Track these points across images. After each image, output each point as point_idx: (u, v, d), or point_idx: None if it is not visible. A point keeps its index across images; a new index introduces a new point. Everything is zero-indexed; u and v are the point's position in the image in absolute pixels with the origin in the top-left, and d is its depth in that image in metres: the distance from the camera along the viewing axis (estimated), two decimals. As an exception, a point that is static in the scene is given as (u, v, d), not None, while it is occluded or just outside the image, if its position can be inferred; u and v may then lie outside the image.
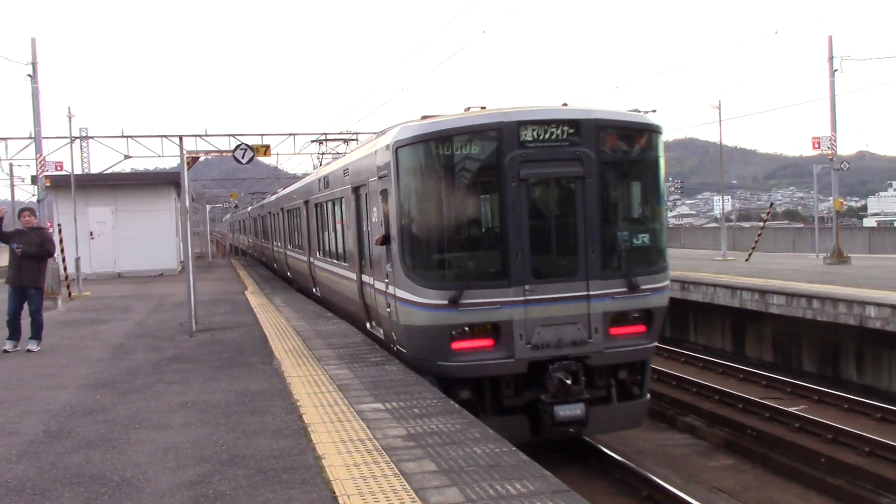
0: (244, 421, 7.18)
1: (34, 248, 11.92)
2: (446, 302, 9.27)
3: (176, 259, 30.48)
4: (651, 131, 10.52)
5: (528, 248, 9.46)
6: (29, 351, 11.79)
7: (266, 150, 15.00)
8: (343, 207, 13.79)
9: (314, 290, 18.40)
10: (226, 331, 13.51)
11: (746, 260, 24.17)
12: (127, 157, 42.23)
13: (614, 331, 9.78)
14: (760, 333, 17.02)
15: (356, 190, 12.40)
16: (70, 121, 27.94)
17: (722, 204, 32.33)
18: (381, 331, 11.31)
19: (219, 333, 13.20)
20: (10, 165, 58.51)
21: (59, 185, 24.98)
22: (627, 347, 9.87)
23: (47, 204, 21.28)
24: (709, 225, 64.93)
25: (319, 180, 16.57)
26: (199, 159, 14.84)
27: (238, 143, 14.49)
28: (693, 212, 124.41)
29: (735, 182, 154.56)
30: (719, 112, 30.04)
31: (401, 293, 9.79)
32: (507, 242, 9.44)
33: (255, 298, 19.45)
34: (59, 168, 23.98)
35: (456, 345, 9.43)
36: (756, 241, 26.21)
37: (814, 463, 10.15)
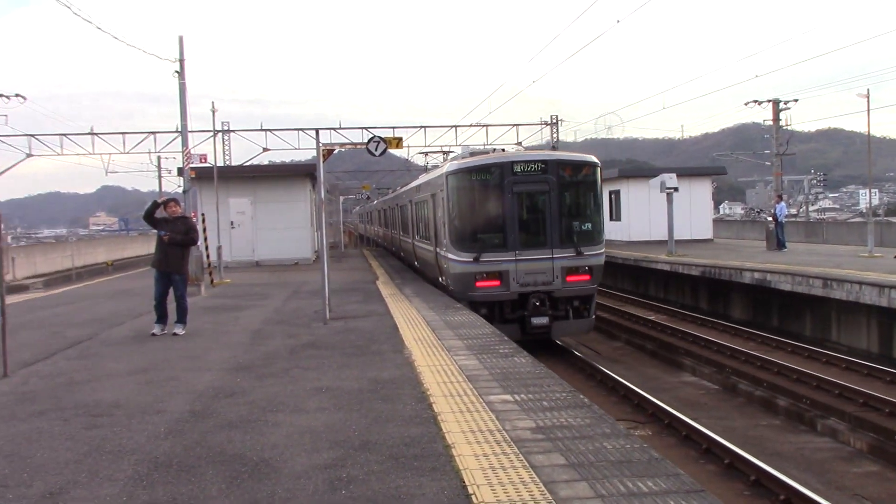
0: (376, 408, 7.32)
1: (180, 236, 12.51)
2: (472, 260, 16.54)
3: (310, 248, 31.34)
4: (590, 164, 17.43)
5: (517, 230, 16.57)
6: (175, 334, 12.32)
7: (398, 142, 15.27)
8: (426, 206, 21.08)
9: (415, 262, 25.24)
10: (358, 319, 13.80)
11: (895, 257, 22.87)
12: (265, 149, 43.80)
13: (569, 278, 16.63)
14: (910, 334, 16.08)
15: (433, 196, 19.64)
16: (213, 115, 29.15)
17: (869, 197, 30.74)
18: (442, 279, 18.72)
19: (351, 322, 13.50)
20: (158, 158, 61.56)
21: (203, 176, 26.10)
22: (577, 288, 16.84)
23: (192, 194, 22.29)
24: (854, 220, 61.78)
25: (418, 186, 24.18)
26: (334, 152, 15.19)
27: (371, 135, 14.76)
28: (836, 206, 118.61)
29: (892, 174, 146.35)
30: (867, 101, 28.50)
31: (447, 258, 17.44)
32: (506, 228, 16.59)
33: (385, 288, 19.79)
34: (203, 160, 25.04)
35: (478, 283, 16.53)
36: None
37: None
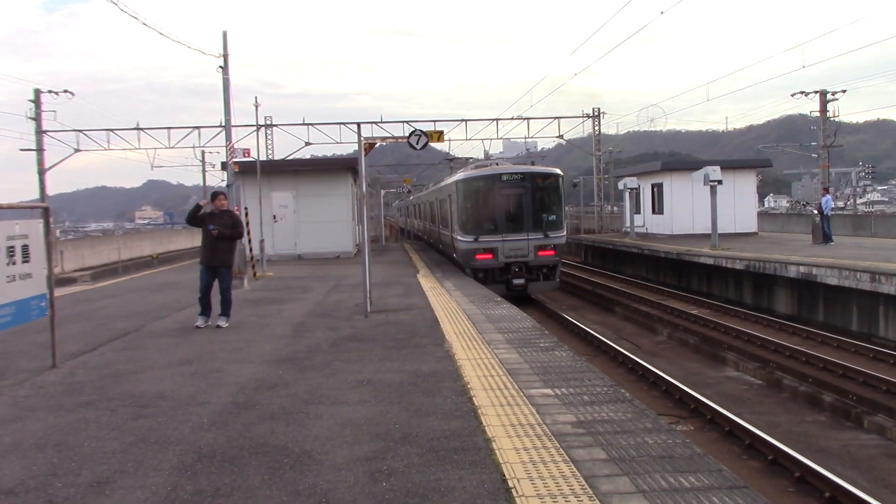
0: (416, 401, 7.35)
1: (228, 230, 12.66)
2: (473, 240, 23.10)
3: (352, 242, 31.52)
4: (555, 175, 24.25)
5: (504, 220, 23.11)
6: (218, 327, 12.46)
7: (440, 135, 15.23)
8: (444, 203, 28.74)
9: (439, 245, 32.98)
10: (399, 312, 13.86)
11: (946, 251, 22.38)
12: (307, 143, 44.17)
13: (539, 253, 22.99)
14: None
15: (448, 196, 27.13)
16: (256, 110, 29.40)
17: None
18: (455, 255, 25.24)
19: (392, 315, 13.56)
20: (203, 152, 62.29)
21: (246, 170, 26.37)
22: (545, 259, 23.21)
23: (235, 188, 22.52)
24: (904, 212, 60.51)
25: (439, 188, 33.24)
26: (376, 145, 15.23)
27: (412, 129, 14.77)
28: (885, 199, 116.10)
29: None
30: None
31: (459, 239, 23.79)
32: (496, 218, 23.19)
33: (426, 281, 19.84)
34: (246, 154, 25.28)
35: (477, 256, 22.95)
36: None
37: None
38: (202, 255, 12.87)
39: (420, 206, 45.18)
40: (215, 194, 13.29)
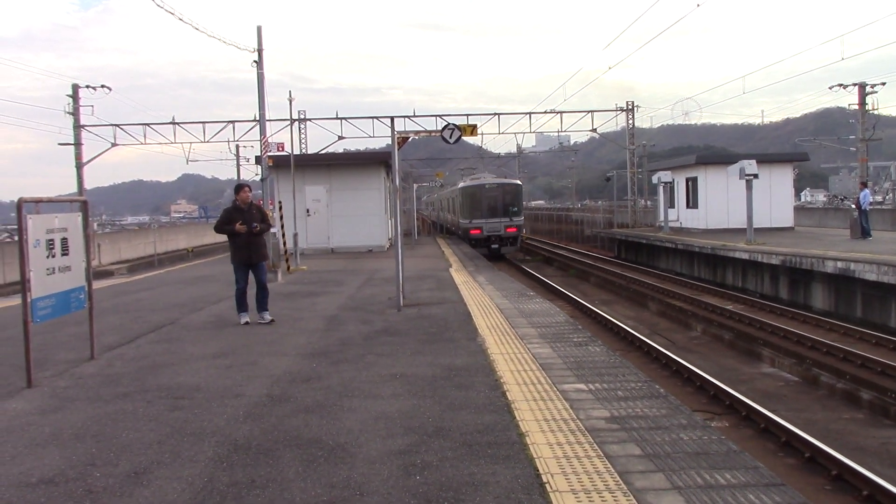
0: (449, 395, 7.36)
1: (264, 225, 12.41)
2: (469, 222, 40.69)
3: (384, 236, 31.61)
4: (517, 184, 43.43)
5: (486, 210, 40.54)
6: (271, 321, 12.27)
7: (473, 129, 15.17)
8: (454, 201, 46.11)
9: (451, 227, 48.24)
10: (431, 306, 13.87)
11: None
12: (341, 137, 44.35)
13: (507, 229, 40.11)
14: None
15: (455, 197, 45.78)
16: (290, 104, 29.57)
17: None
18: (459, 232, 42.89)
19: (425, 309, 13.57)
20: (237, 146, 62.72)
21: (280, 164, 26.53)
22: (510, 234, 40.41)
23: (269, 182, 22.67)
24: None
25: (451, 190, 49.75)
26: (409, 139, 15.24)
27: (445, 123, 14.75)
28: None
29: None
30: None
31: (462, 222, 41.93)
32: (483, 210, 40.62)
33: (458, 276, 19.84)
34: (280, 149, 25.44)
35: (471, 231, 40.08)
36: None
37: None
38: (239, 256, 12.40)
39: (441, 202, 61.56)
40: (240, 187, 12.71)
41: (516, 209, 40.67)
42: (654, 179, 39.94)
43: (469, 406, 6.92)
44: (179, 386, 8.07)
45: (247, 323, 12.25)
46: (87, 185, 43.69)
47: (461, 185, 43.78)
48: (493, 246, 39.45)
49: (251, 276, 12.54)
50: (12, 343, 10.37)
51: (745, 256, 25.03)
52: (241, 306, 12.49)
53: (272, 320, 12.39)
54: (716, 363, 16.00)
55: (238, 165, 70.03)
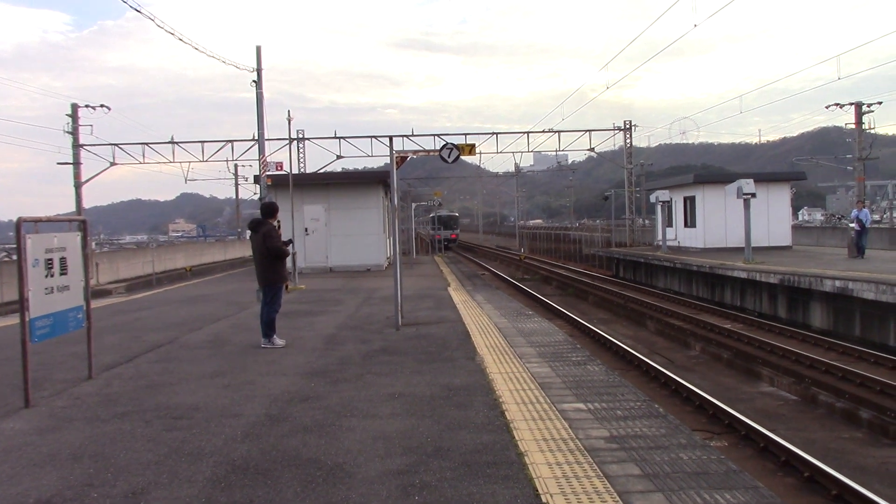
0: (448, 414, 7.35)
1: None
2: (435, 233, 74.67)
3: (383, 255, 31.60)
4: (456, 216, 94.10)
5: (442, 227, 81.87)
6: (276, 346, 12.02)
7: (471, 149, 15.17)
8: (432, 222, 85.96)
9: (429, 238, 73.06)
10: (430, 326, 13.86)
11: None
12: (339, 156, 44.45)
13: (451, 236, 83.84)
14: None
15: (432, 219, 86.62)
16: (289, 123, 29.62)
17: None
18: (430, 238, 70.65)
19: (423, 328, 13.57)
20: (236, 166, 62.82)
21: (278, 183, 26.57)
22: (454, 239, 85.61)
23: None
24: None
25: (432, 215, 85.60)
26: (408, 159, 15.28)
27: (444, 142, 14.79)
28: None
29: None
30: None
31: (432, 232, 78.78)
32: (442, 226, 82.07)
33: (457, 295, 19.84)
34: (279, 168, 25.47)
35: (437, 236, 72.45)
36: None
37: None
38: (274, 277, 12.25)
39: (428, 223, 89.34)
40: (276, 207, 12.48)
41: (456, 227, 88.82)
42: (652, 198, 40.02)
43: (468, 426, 6.91)
44: (177, 406, 8.05)
45: (276, 346, 11.95)
46: (86, 204, 43.77)
47: (433, 214, 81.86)
48: (446, 245, 73.05)
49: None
50: (10, 363, 10.35)
51: (743, 275, 25.04)
52: (271, 331, 12.20)
53: (277, 345, 12.30)
54: (715, 382, 15.97)
55: (237, 185, 70.20)
